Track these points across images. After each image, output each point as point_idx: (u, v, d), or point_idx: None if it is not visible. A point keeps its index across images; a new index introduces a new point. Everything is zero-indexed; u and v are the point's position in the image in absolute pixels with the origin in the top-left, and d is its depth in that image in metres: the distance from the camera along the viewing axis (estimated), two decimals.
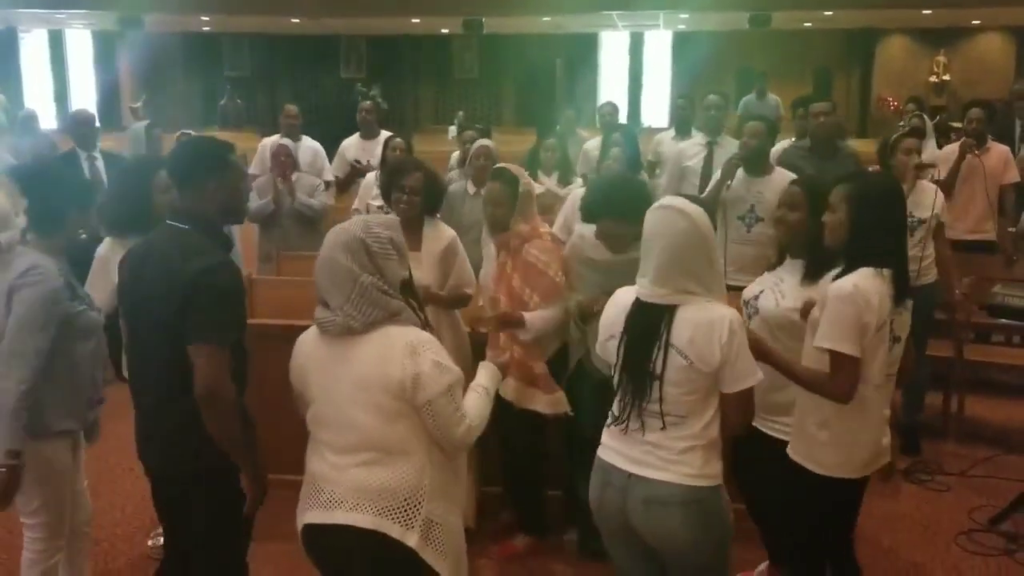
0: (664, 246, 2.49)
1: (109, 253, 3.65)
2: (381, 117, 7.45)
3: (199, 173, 2.70)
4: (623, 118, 10.15)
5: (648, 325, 2.50)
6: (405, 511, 2.39)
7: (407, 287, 2.54)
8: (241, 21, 17.67)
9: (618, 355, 2.56)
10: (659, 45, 19.27)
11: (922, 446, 5.12)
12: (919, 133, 6.47)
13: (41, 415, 2.89)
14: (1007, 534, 4.14)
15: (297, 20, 16.91)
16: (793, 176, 4.31)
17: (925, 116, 7.12)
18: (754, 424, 2.98)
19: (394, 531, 2.38)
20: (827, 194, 2.90)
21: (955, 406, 5.37)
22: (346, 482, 2.42)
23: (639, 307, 2.54)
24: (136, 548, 4.15)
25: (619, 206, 3.47)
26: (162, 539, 3.93)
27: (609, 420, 2.64)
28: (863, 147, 8.76)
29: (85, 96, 19.17)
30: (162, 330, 2.62)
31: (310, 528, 2.50)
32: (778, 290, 3.16)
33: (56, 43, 19.67)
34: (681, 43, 18.75)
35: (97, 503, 3.79)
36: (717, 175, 4.88)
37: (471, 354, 4.03)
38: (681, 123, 7.09)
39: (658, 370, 2.47)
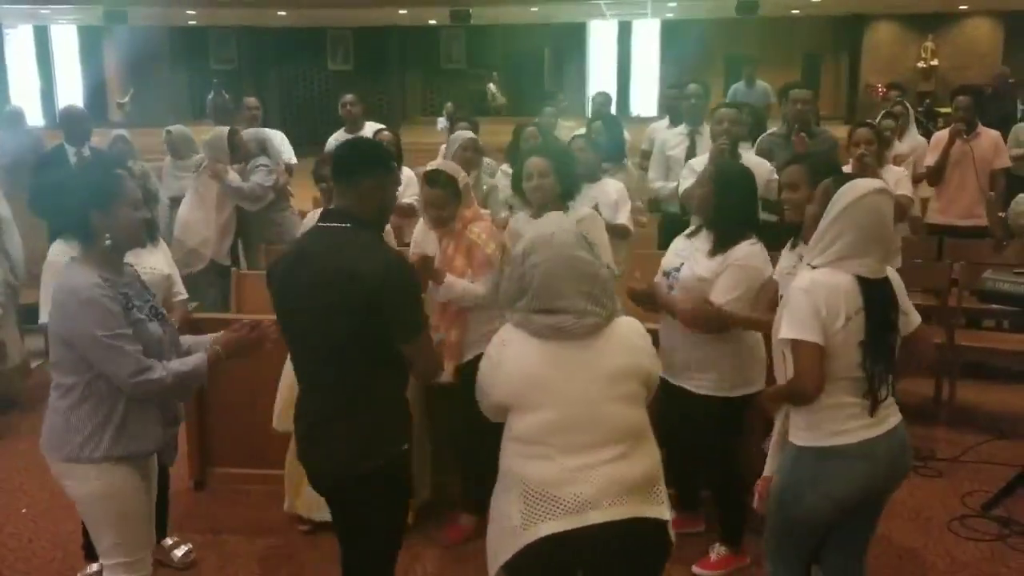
0: (891, 227, 2.75)
1: (59, 257, 3.36)
2: (364, 111, 7.21)
3: (358, 172, 2.67)
4: (612, 108, 10.13)
5: (887, 299, 2.74)
6: (656, 489, 2.45)
7: None
8: (226, 14, 17.59)
9: (866, 332, 2.67)
10: (647, 33, 19.25)
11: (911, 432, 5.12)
12: (895, 118, 6.55)
13: (101, 439, 2.65)
14: (1000, 519, 4.14)
15: (283, 12, 16.83)
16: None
17: (907, 104, 7.14)
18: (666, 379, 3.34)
19: (653, 512, 2.42)
20: (732, 173, 3.56)
21: (947, 392, 5.37)
22: (597, 480, 2.35)
23: (872, 286, 2.69)
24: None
25: (549, 150, 3.95)
26: None
27: (848, 407, 2.71)
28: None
29: (72, 91, 19.08)
30: (339, 331, 2.56)
31: (550, 540, 2.36)
32: (693, 260, 3.56)
33: (41, 39, 19.58)
34: (669, 31, 18.73)
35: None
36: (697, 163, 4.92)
37: None
38: (675, 112, 7.07)
39: (897, 334, 2.76)
